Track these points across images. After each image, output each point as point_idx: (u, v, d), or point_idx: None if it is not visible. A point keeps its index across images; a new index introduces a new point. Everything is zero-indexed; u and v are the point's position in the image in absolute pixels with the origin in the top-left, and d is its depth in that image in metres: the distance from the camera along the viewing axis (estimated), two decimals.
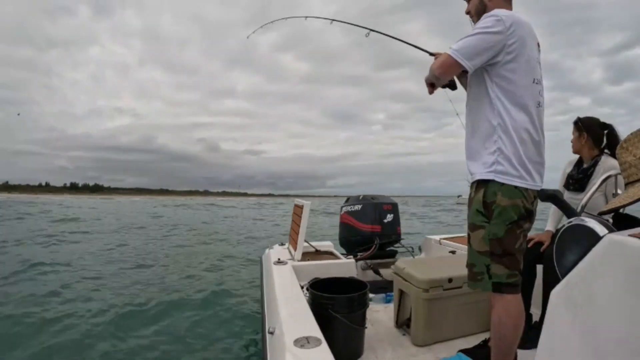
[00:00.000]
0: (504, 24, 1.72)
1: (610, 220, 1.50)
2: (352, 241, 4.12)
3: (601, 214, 1.37)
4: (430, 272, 2.55)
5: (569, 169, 2.95)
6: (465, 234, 4.12)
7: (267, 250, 3.82)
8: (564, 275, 1.19)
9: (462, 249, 3.85)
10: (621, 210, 1.58)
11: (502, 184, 1.76)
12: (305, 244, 3.55)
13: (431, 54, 2.14)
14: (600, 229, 1.20)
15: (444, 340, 2.56)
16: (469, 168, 1.91)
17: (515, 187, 1.75)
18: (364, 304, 2.39)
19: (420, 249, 4.55)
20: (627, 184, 1.29)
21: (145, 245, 9.58)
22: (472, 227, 1.87)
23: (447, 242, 4.13)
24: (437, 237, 4.32)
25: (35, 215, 21.98)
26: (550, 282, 2.58)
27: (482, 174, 1.82)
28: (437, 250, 4.16)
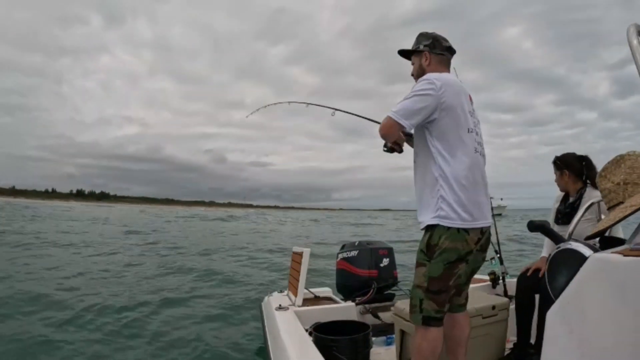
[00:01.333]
0: (435, 85, 1.97)
1: (598, 244, 1.59)
2: (349, 286, 4.14)
3: (587, 238, 1.47)
4: None
5: (557, 205, 3.06)
6: None
7: (266, 298, 3.85)
8: (557, 297, 1.27)
9: None
10: (607, 233, 1.69)
11: (448, 229, 1.94)
12: (305, 290, 3.59)
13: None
14: (586, 251, 1.29)
15: None
16: (418, 217, 2.11)
17: (458, 231, 1.94)
18: (367, 345, 2.43)
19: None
20: (609, 209, 1.40)
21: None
22: (416, 265, 2.05)
23: None
24: None
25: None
26: (546, 307, 2.64)
27: (428, 220, 2.01)
28: None
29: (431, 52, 2.22)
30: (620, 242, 1.42)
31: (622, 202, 1.32)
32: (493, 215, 3.78)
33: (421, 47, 2.24)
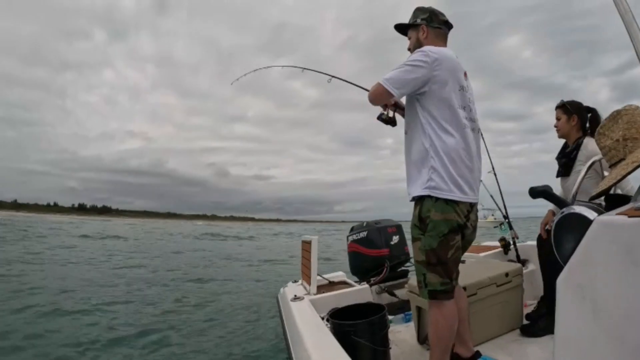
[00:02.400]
0: (429, 57, 1.96)
1: (604, 203, 1.55)
2: (362, 268, 4.13)
3: (592, 199, 1.44)
4: None
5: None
6: (474, 243, 4.18)
7: (282, 289, 3.85)
8: (565, 263, 1.25)
9: (471, 257, 3.88)
10: (612, 191, 1.65)
11: (436, 200, 1.95)
12: (318, 277, 3.58)
13: None
14: (590, 214, 1.26)
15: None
16: (408, 190, 2.12)
17: (447, 202, 1.93)
18: (384, 326, 2.42)
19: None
20: (610, 166, 1.37)
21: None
22: (412, 240, 2.08)
23: None
24: None
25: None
26: (552, 270, 2.62)
27: (417, 191, 2.02)
28: None
29: (428, 25, 2.20)
30: (625, 199, 1.38)
31: (623, 159, 1.28)
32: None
33: (418, 20, 2.22)
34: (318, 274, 3.56)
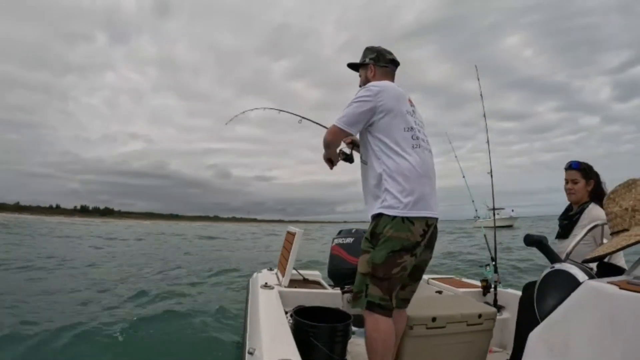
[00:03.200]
0: (371, 91, 2.16)
1: (595, 269, 1.50)
2: (340, 273, 4.06)
3: (585, 261, 1.38)
4: (415, 310, 2.50)
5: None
6: (453, 276, 4.11)
7: (255, 274, 3.81)
8: (542, 318, 1.19)
9: (449, 290, 3.83)
10: (607, 260, 1.59)
11: (393, 218, 2.04)
12: (294, 271, 3.53)
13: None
14: (581, 275, 1.20)
15: None
16: (368, 212, 2.23)
17: (403, 221, 2.03)
18: (346, 335, 2.37)
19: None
20: (612, 234, 1.30)
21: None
22: (362, 253, 2.18)
23: (435, 282, 4.10)
24: (426, 277, 4.28)
25: None
26: (524, 324, 2.55)
27: (374, 210, 2.14)
28: (425, 289, 4.12)
29: (376, 64, 2.43)
30: (619, 271, 1.33)
31: (627, 230, 1.22)
32: (494, 225, 3.69)
33: (367, 60, 2.46)
34: (294, 269, 3.50)
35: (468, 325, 2.62)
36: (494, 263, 3.80)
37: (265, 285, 3.13)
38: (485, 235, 4.13)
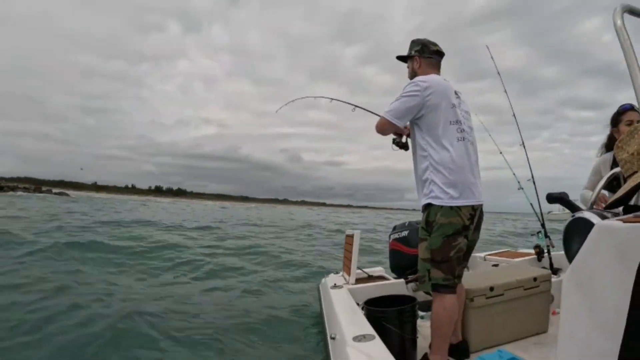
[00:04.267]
0: (420, 87, 2.27)
1: (622, 213, 1.63)
2: (401, 266, 4.22)
3: (607, 207, 1.53)
4: (473, 283, 2.69)
5: (605, 171, 2.84)
6: (508, 249, 4.21)
7: (323, 279, 4.03)
8: (570, 262, 1.36)
9: (504, 262, 3.94)
10: (633, 202, 1.72)
11: (441, 207, 2.23)
12: (358, 270, 3.74)
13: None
14: (595, 219, 1.37)
15: (493, 346, 2.65)
16: (419, 201, 2.41)
17: (451, 208, 2.21)
18: (413, 316, 2.56)
19: (467, 267, 4.65)
20: (625, 178, 1.46)
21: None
22: (419, 240, 2.36)
23: (491, 257, 4.23)
24: (482, 254, 4.41)
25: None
26: None
27: (424, 201, 2.33)
28: (482, 266, 4.26)
29: (421, 56, 2.52)
30: None
31: (636, 172, 1.38)
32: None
33: (412, 52, 2.55)
34: (359, 268, 3.72)
35: (525, 289, 2.76)
36: (543, 229, 3.90)
37: (335, 286, 3.36)
38: (531, 204, 4.22)
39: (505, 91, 4.41)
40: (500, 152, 4.65)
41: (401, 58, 2.64)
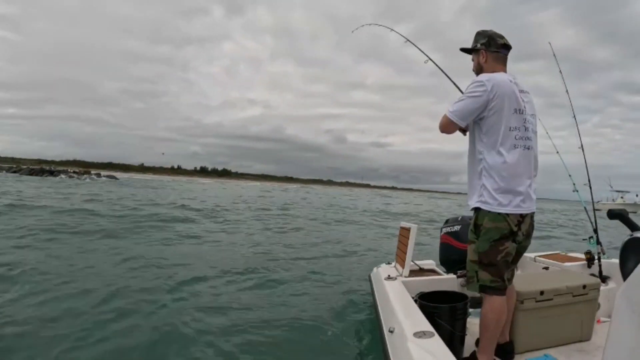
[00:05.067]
0: (486, 87, 2.25)
1: None
2: (451, 260, 4.30)
3: None
4: (524, 286, 2.76)
5: None
6: (559, 252, 4.22)
7: (374, 269, 4.18)
8: (624, 278, 1.47)
9: (555, 265, 3.99)
10: None
11: (489, 212, 2.28)
12: (411, 262, 3.87)
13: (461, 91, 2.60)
14: None
15: (537, 349, 2.75)
16: (468, 199, 2.45)
17: (499, 213, 2.26)
18: (464, 313, 2.70)
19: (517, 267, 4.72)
20: None
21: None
22: (468, 242, 2.44)
23: (541, 259, 4.27)
24: (532, 255, 4.45)
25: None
26: None
27: (473, 203, 2.38)
28: (532, 267, 4.31)
29: (487, 50, 2.45)
30: None
31: None
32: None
33: (478, 45, 2.47)
34: (412, 260, 3.85)
35: (574, 296, 2.84)
36: (596, 235, 3.91)
37: (389, 277, 3.52)
38: (585, 208, 4.23)
39: (561, 72, 4.33)
40: (550, 139, 4.60)
41: (466, 50, 2.57)
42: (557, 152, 4.52)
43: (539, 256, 4.39)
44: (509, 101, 2.27)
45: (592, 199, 4.16)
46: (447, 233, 4.43)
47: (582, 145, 4.23)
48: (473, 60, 2.54)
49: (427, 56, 3.46)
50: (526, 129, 2.33)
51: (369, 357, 3.37)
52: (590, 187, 4.20)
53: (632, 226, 2.02)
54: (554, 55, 4.34)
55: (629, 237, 1.65)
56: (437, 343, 2.02)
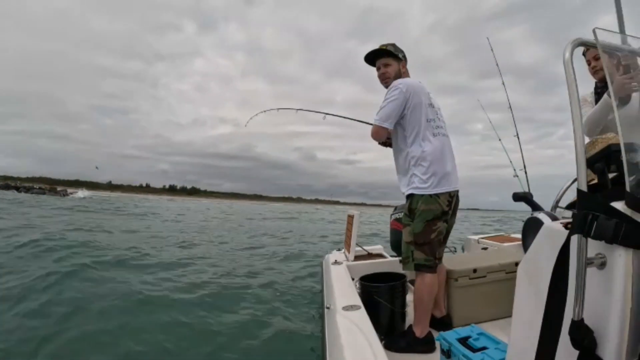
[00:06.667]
0: (401, 89, 2.48)
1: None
2: (400, 244, 4.44)
3: (568, 207, 1.74)
4: (459, 265, 2.91)
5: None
6: (503, 233, 4.36)
7: (326, 255, 4.29)
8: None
9: (495, 246, 4.14)
10: None
11: (422, 195, 2.47)
12: (359, 248, 3.98)
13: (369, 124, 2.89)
14: (545, 220, 1.57)
15: (476, 323, 2.87)
16: (400, 188, 2.67)
17: (430, 195, 2.46)
18: (403, 291, 2.80)
19: (462, 249, 4.88)
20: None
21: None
22: (403, 226, 2.62)
23: (484, 240, 4.44)
24: (477, 237, 4.62)
25: None
26: None
27: (407, 191, 2.56)
28: (475, 248, 4.48)
29: (405, 61, 2.75)
30: None
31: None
32: None
33: (400, 56, 2.72)
34: (359, 246, 3.96)
35: (507, 273, 2.97)
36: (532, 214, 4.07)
37: (335, 262, 3.62)
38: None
39: (503, 83, 4.52)
40: (499, 139, 4.79)
41: (391, 55, 2.70)
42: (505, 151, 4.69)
43: (482, 238, 4.55)
44: (423, 97, 2.53)
45: (528, 183, 4.33)
46: (396, 219, 4.55)
47: (517, 134, 4.40)
48: (389, 65, 2.71)
49: (324, 113, 3.92)
50: (439, 119, 2.61)
51: (314, 332, 3.52)
52: (526, 173, 4.38)
53: (534, 207, 2.15)
54: (492, 49, 4.49)
55: (529, 216, 1.77)
56: (361, 314, 2.18)
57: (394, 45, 2.73)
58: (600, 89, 2.70)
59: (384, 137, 2.71)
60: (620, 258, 1.10)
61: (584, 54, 2.74)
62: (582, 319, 1.05)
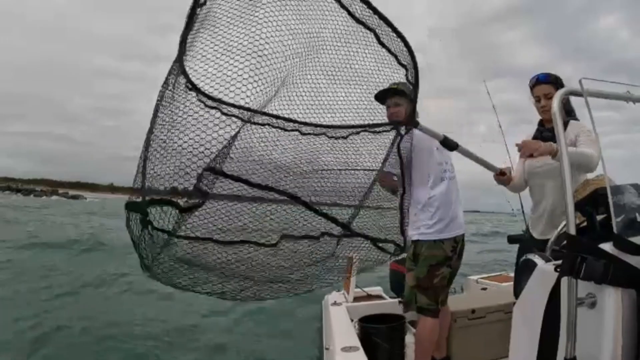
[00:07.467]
0: (409, 135, 2.23)
1: None
2: (400, 285, 4.41)
3: (562, 248, 1.77)
4: (458, 306, 2.89)
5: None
6: (504, 272, 4.33)
7: (326, 296, 4.26)
8: (517, 296, 1.61)
9: (494, 286, 4.13)
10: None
11: (425, 241, 2.43)
12: (358, 289, 3.97)
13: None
14: (539, 262, 1.60)
15: None
16: (408, 231, 2.44)
17: (434, 241, 2.42)
18: (401, 333, 2.79)
19: (462, 289, 4.85)
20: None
21: None
22: (407, 270, 2.66)
23: (483, 280, 4.42)
24: (476, 277, 4.61)
25: None
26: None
27: (413, 236, 2.46)
28: (475, 288, 4.45)
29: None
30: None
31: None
32: None
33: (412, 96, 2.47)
34: (358, 287, 3.95)
35: (505, 313, 2.94)
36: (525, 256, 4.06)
37: (335, 303, 3.60)
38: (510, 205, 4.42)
39: (485, 81, 4.54)
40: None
41: (403, 94, 2.28)
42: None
43: (482, 278, 4.54)
44: (430, 142, 2.26)
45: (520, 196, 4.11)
46: (396, 261, 4.55)
47: (501, 128, 4.40)
48: (396, 107, 2.34)
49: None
50: (446, 163, 2.50)
51: None
52: (523, 213, 4.37)
53: (528, 250, 2.17)
54: (488, 92, 4.56)
55: (522, 259, 1.79)
56: (359, 355, 2.21)
57: (405, 84, 2.28)
58: (544, 133, 2.44)
59: (390, 184, 2.46)
60: (610, 298, 1.13)
61: (531, 88, 2.46)
62: (575, 357, 1.07)
